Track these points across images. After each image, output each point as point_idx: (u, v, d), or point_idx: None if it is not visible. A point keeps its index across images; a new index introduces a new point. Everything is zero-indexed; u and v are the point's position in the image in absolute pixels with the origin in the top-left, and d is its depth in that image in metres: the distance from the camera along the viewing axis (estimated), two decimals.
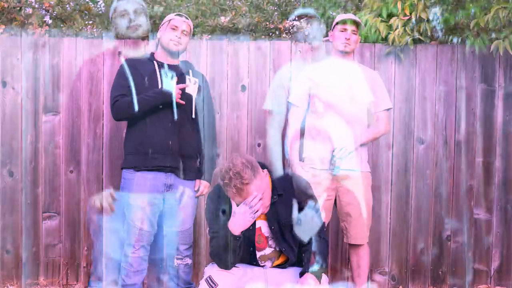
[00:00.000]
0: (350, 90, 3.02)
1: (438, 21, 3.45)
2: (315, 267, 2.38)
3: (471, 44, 3.50)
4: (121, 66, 2.93)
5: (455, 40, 3.59)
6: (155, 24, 3.83)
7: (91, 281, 3.28)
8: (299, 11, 3.40)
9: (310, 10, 3.39)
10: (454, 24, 3.54)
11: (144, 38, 3.39)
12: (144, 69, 2.91)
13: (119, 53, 3.38)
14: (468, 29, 3.55)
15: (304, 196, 2.45)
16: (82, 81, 3.53)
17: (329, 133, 3.00)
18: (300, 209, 2.41)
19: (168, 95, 2.80)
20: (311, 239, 2.42)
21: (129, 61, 2.95)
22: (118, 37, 3.39)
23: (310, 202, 2.41)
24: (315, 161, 3.01)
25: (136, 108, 2.80)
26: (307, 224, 2.40)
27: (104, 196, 3.15)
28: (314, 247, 2.41)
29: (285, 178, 2.56)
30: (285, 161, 3.25)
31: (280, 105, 3.26)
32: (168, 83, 2.82)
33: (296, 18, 3.36)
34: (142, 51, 3.10)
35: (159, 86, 2.85)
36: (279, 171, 3.14)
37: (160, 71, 2.87)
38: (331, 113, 3.01)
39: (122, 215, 2.97)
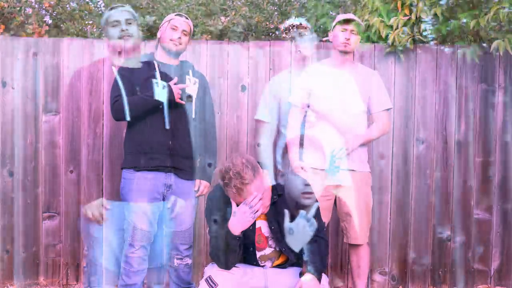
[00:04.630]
0: (343, 100, 3.03)
1: (430, 31, 3.47)
2: (314, 268, 2.38)
3: (463, 53, 3.52)
4: (119, 70, 2.94)
5: (447, 50, 3.60)
6: (153, 33, 3.83)
7: None
8: (290, 21, 3.41)
9: (302, 20, 3.40)
10: (446, 33, 3.56)
11: (136, 48, 3.39)
12: (142, 71, 2.91)
13: (119, 52, 3.38)
14: (460, 38, 3.57)
15: (304, 206, 2.45)
16: (82, 81, 3.53)
17: (324, 142, 3.01)
18: (300, 209, 2.41)
19: (160, 104, 2.81)
20: (311, 239, 2.42)
21: (124, 68, 2.94)
22: (109, 46, 3.38)
23: (309, 202, 2.41)
24: (315, 162, 3.02)
25: (133, 107, 2.81)
26: (305, 224, 2.39)
27: (96, 205, 3.16)
28: (314, 247, 2.41)
29: (288, 187, 2.56)
30: (276, 171, 3.26)
31: (272, 115, 3.29)
32: (160, 92, 2.82)
33: (289, 27, 3.37)
34: (135, 62, 3.12)
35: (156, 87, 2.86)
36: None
37: (155, 76, 2.87)
38: (326, 123, 3.02)
39: (115, 225, 2.97)
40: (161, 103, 2.83)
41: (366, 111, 3.09)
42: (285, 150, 3.18)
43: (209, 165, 3.02)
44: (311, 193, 2.50)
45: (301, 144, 3.10)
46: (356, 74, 3.08)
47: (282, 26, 3.49)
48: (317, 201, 2.51)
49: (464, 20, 3.42)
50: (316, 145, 3.02)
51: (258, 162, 2.41)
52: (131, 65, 2.95)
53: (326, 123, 3.02)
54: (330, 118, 3.02)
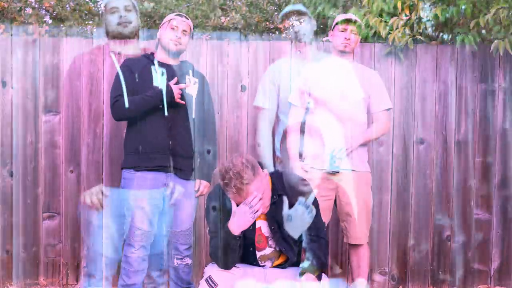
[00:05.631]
0: (342, 87, 3.02)
1: (428, 18, 3.44)
2: (314, 267, 2.38)
3: (461, 41, 3.48)
4: (120, 67, 2.94)
5: (445, 37, 3.59)
6: (154, 22, 3.83)
7: (86, 279, 3.27)
8: (288, 8, 3.39)
9: (299, 7, 3.38)
10: (444, 21, 3.53)
11: (134, 35, 3.38)
12: (141, 70, 2.91)
13: (119, 53, 3.38)
14: (459, 26, 3.54)
15: (302, 195, 2.44)
16: (82, 81, 3.53)
17: (325, 131, 3.00)
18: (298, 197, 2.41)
19: (161, 92, 2.81)
20: (311, 239, 2.42)
21: (125, 65, 2.95)
22: (108, 34, 3.37)
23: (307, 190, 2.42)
24: (315, 161, 3.02)
25: (133, 107, 2.81)
26: (304, 211, 2.40)
27: (94, 192, 3.14)
28: (314, 247, 2.41)
29: (285, 178, 2.56)
30: (275, 158, 3.27)
31: (271, 102, 3.29)
32: (158, 78, 2.83)
33: (286, 17, 3.34)
34: (133, 49, 3.13)
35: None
36: (269, 167, 3.15)
37: (153, 63, 2.89)
38: (325, 110, 3.01)
39: (115, 211, 2.97)
40: (161, 103, 2.83)
41: (365, 98, 3.07)
42: (284, 136, 3.18)
43: (208, 151, 3.02)
44: (310, 192, 2.50)
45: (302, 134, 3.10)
46: (356, 74, 3.08)
47: (280, 15, 3.47)
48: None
49: (463, 7, 3.39)
50: (314, 133, 3.01)
51: (259, 162, 2.41)
52: (130, 52, 2.96)
53: (325, 110, 3.01)
54: (329, 105, 3.01)
